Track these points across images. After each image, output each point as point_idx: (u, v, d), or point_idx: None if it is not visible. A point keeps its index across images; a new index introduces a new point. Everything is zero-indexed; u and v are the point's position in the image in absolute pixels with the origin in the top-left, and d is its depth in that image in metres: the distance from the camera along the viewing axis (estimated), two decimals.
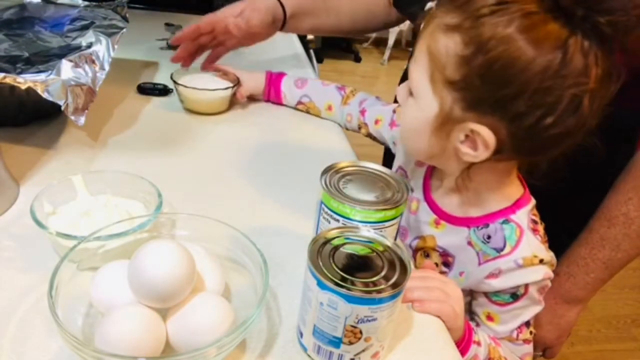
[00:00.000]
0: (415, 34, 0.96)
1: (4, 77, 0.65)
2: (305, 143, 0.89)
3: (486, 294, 0.63)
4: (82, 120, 0.68)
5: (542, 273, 0.60)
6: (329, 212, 0.54)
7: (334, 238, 0.49)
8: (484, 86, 0.53)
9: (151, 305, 0.46)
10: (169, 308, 0.46)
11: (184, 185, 0.73)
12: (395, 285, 0.44)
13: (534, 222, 0.63)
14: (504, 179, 0.63)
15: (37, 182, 0.68)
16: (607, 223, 0.73)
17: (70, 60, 0.70)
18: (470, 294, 0.66)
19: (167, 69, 1.01)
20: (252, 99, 0.98)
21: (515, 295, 0.61)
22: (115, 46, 0.79)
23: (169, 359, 0.46)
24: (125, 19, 0.89)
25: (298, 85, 0.96)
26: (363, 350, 0.47)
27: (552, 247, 0.63)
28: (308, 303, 0.47)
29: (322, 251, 0.47)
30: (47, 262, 0.50)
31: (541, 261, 0.60)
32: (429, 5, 0.90)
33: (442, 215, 0.67)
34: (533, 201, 0.64)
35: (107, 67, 0.75)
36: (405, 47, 4.59)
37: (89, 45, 0.77)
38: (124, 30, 0.84)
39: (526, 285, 0.60)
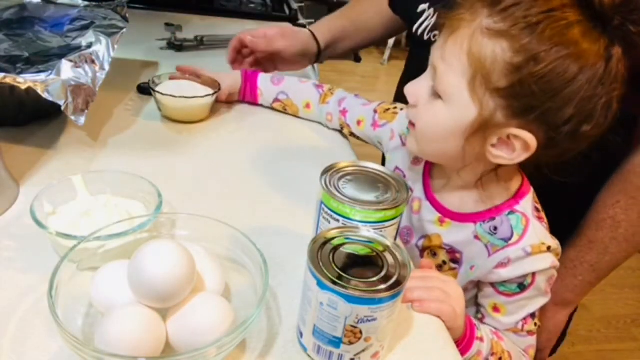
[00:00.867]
0: (408, 34, 0.95)
1: (4, 77, 0.65)
2: (305, 143, 0.89)
3: (493, 285, 0.64)
4: (82, 120, 0.68)
5: (550, 261, 0.61)
6: (329, 212, 0.54)
7: (334, 238, 0.49)
8: (532, 96, 0.53)
9: (151, 305, 0.46)
10: (169, 308, 0.46)
11: (184, 185, 0.73)
12: (395, 285, 0.45)
13: (537, 209, 0.64)
14: (510, 173, 0.64)
15: (37, 182, 0.68)
16: (595, 226, 0.73)
17: (70, 60, 0.70)
18: (476, 286, 0.66)
19: (167, 69, 1.01)
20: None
21: (522, 285, 0.62)
22: (115, 46, 0.79)
23: (169, 359, 0.46)
24: (125, 19, 0.88)
25: (275, 82, 0.94)
26: (363, 350, 0.47)
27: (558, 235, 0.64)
28: (308, 303, 0.47)
29: (322, 251, 0.47)
30: (47, 262, 0.50)
31: (549, 248, 0.60)
32: (422, 7, 0.90)
33: (447, 213, 0.67)
34: (532, 189, 0.65)
35: (107, 67, 0.75)
36: (405, 48, 4.59)
37: (89, 45, 0.77)
38: (124, 30, 0.84)
39: (533, 275, 0.61)
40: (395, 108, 0.82)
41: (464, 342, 0.59)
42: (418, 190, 0.71)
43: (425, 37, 0.90)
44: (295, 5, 1.61)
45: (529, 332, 0.65)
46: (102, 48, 0.77)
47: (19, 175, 0.68)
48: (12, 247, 0.58)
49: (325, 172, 0.57)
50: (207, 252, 0.52)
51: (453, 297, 0.58)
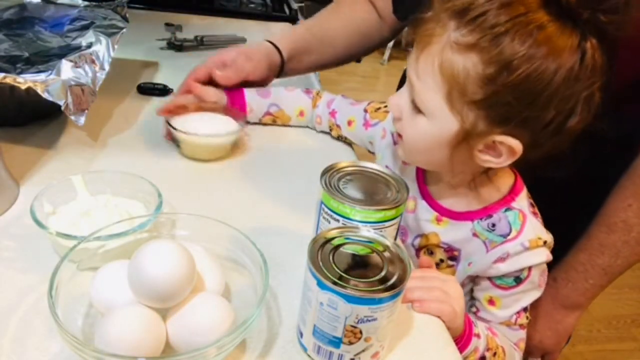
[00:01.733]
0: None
1: (4, 77, 0.65)
2: (305, 143, 0.89)
3: (490, 278, 0.64)
4: (82, 120, 0.68)
5: (544, 255, 0.62)
6: (329, 212, 0.54)
7: (334, 238, 0.49)
8: (509, 105, 0.53)
9: (151, 305, 0.46)
10: (169, 308, 0.46)
11: (184, 185, 0.73)
12: (395, 285, 0.45)
13: (532, 205, 0.66)
14: (502, 172, 0.65)
15: (37, 182, 0.68)
16: (606, 229, 0.73)
17: (70, 60, 0.70)
18: (472, 280, 0.67)
19: (167, 69, 1.00)
20: None
21: (518, 278, 0.63)
22: (115, 46, 0.79)
23: (169, 359, 0.46)
24: (125, 19, 0.88)
25: (262, 95, 0.88)
26: (363, 350, 0.47)
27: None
28: (308, 303, 0.47)
29: (322, 251, 0.47)
30: (47, 262, 0.50)
31: (544, 243, 0.62)
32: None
33: (444, 212, 0.68)
34: (525, 186, 0.66)
35: (107, 67, 0.75)
36: (405, 48, 4.59)
37: (89, 45, 0.78)
38: (124, 30, 0.84)
39: (529, 268, 0.62)
40: (385, 107, 0.81)
41: (462, 339, 0.60)
42: (413, 190, 0.71)
43: None
44: (295, 5, 1.61)
45: (521, 326, 0.66)
46: (102, 48, 0.77)
47: (19, 175, 0.68)
48: (12, 247, 0.58)
49: (325, 172, 0.57)
50: (207, 252, 0.52)
51: (453, 296, 0.58)
